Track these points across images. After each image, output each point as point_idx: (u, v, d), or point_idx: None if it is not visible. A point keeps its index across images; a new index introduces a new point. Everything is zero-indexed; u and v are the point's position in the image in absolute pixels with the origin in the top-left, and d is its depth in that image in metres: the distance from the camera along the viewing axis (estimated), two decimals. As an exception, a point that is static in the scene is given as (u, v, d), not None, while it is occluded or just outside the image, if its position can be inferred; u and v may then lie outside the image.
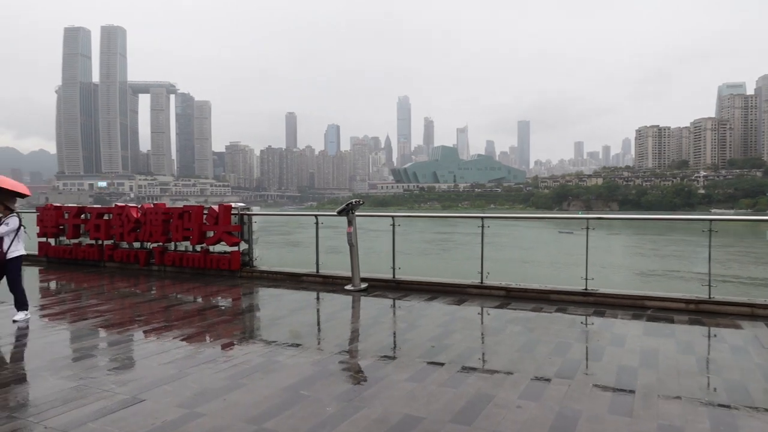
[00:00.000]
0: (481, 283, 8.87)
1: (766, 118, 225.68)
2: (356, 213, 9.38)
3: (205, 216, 11.14)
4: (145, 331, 6.64)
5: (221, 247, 11.17)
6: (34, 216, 13.52)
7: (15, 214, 7.26)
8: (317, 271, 10.21)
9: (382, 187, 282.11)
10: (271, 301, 8.96)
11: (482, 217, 9.08)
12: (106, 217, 12.47)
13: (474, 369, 5.06)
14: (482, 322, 7.14)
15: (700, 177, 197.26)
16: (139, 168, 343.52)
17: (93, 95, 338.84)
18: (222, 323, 7.09)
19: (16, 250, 7.22)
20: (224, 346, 5.93)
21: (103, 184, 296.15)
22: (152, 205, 11.99)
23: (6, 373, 5.06)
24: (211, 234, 11.13)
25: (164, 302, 8.52)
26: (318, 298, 9.01)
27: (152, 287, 10.00)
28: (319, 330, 6.94)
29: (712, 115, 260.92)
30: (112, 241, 12.33)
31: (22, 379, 4.92)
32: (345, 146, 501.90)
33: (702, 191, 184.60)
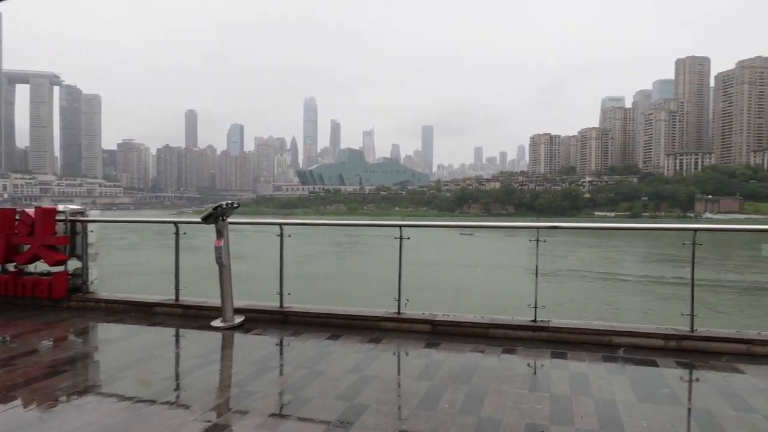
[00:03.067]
0: (399, 313, 6.66)
1: (641, 130, 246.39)
2: (230, 220, 6.83)
3: (17, 223, 7.98)
4: None
5: (45, 267, 8.08)
6: None
7: None
8: (176, 299, 7.48)
9: (287, 188, 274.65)
10: (95, 352, 6.14)
11: (400, 226, 6.85)
12: None
13: None
14: (406, 384, 4.84)
15: (585, 182, 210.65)
16: (16, 166, 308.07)
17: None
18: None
19: None
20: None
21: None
22: (-59, 208, 8.55)
23: None
24: (26, 248, 7.99)
25: None
26: (175, 340, 6.39)
27: None
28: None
29: (597, 125, 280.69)
30: None
31: None
32: (249, 147, 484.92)
33: (587, 195, 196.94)
